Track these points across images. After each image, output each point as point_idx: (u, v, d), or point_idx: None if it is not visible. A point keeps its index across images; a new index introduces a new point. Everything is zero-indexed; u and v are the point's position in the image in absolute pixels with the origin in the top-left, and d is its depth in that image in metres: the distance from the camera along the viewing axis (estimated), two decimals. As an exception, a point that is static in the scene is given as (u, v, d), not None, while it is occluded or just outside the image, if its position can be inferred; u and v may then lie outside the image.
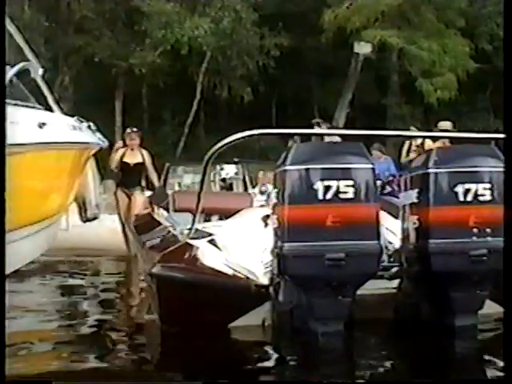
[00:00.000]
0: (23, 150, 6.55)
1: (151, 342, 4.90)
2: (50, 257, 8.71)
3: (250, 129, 4.59)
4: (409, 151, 11.09)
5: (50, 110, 7.87)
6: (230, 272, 4.32)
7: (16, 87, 6.97)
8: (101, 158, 9.77)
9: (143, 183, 11.05)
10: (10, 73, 6.80)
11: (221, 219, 7.58)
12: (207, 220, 7.39)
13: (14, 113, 6.66)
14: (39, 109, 7.48)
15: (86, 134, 8.46)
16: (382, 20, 21.67)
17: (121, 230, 10.55)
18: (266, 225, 4.91)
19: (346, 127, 19.91)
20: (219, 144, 4.62)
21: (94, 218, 9.51)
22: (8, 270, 7.05)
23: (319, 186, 4.15)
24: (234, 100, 22.77)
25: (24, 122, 6.68)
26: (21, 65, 7.21)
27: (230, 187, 8.64)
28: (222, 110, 24.49)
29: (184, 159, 20.54)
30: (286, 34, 22.52)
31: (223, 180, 8.68)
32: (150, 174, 11.07)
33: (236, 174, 8.66)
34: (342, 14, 21.71)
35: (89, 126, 8.67)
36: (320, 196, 4.16)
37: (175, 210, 7.41)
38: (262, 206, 6.93)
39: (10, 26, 7.52)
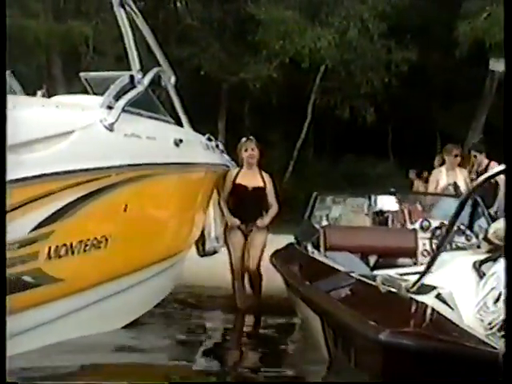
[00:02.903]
0: (162, 170, 6.21)
1: None
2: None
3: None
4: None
5: (180, 124, 7.54)
6: (472, 338, 3.51)
7: (148, 97, 6.65)
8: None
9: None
10: (146, 80, 6.49)
11: (379, 260, 7.02)
12: (364, 261, 6.88)
13: (149, 126, 6.34)
14: (171, 123, 7.16)
15: (216, 155, 8.12)
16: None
17: (231, 282, 8.76)
18: (482, 274, 4.06)
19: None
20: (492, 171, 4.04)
21: (214, 252, 9.08)
22: (141, 311, 6.70)
23: None
24: (353, 121, 22.17)
25: (161, 138, 6.35)
26: (154, 71, 6.91)
27: (385, 222, 7.99)
28: (331, 132, 24.08)
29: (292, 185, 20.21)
30: (414, 48, 21.72)
31: (378, 213, 7.98)
32: (270, 207, 8.58)
33: (393, 206, 7.98)
34: (479, 25, 20.90)
35: (217, 146, 8.34)
36: None
37: (326, 249, 6.89)
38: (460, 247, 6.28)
39: (143, 27, 7.27)
